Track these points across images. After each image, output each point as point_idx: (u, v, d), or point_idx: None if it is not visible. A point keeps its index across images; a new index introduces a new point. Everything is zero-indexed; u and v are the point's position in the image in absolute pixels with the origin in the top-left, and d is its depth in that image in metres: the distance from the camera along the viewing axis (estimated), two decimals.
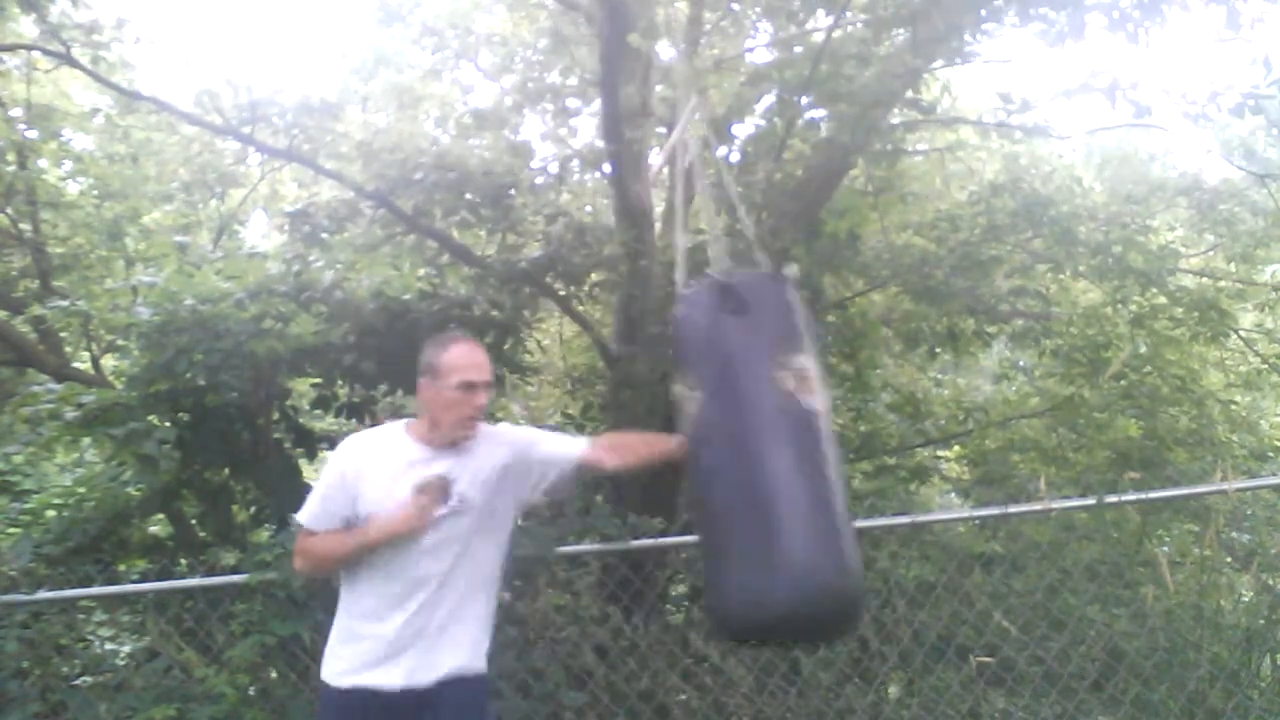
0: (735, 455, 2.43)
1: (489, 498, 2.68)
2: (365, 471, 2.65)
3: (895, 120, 6.01)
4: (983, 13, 5.01)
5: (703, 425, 2.53)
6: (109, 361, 7.31)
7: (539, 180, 7.23)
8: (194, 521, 5.05)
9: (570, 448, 2.83)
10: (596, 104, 7.43)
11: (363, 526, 2.60)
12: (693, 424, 2.57)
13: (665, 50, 7.45)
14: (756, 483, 2.39)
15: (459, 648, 2.61)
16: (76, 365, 7.03)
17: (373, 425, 5.35)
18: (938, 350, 7.02)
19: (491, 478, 2.69)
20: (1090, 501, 3.96)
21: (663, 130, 7.60)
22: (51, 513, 5.04)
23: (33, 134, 7.02)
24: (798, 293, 2.71)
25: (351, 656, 2.60)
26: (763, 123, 5.88)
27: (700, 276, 2.75)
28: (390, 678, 2.55)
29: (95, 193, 7.70)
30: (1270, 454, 7.13)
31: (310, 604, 3.63)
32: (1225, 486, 3.90)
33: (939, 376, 9.24)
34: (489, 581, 2.72)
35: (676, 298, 2.70)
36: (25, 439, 4.51)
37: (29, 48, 6.72)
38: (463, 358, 2.70)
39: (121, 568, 4.61)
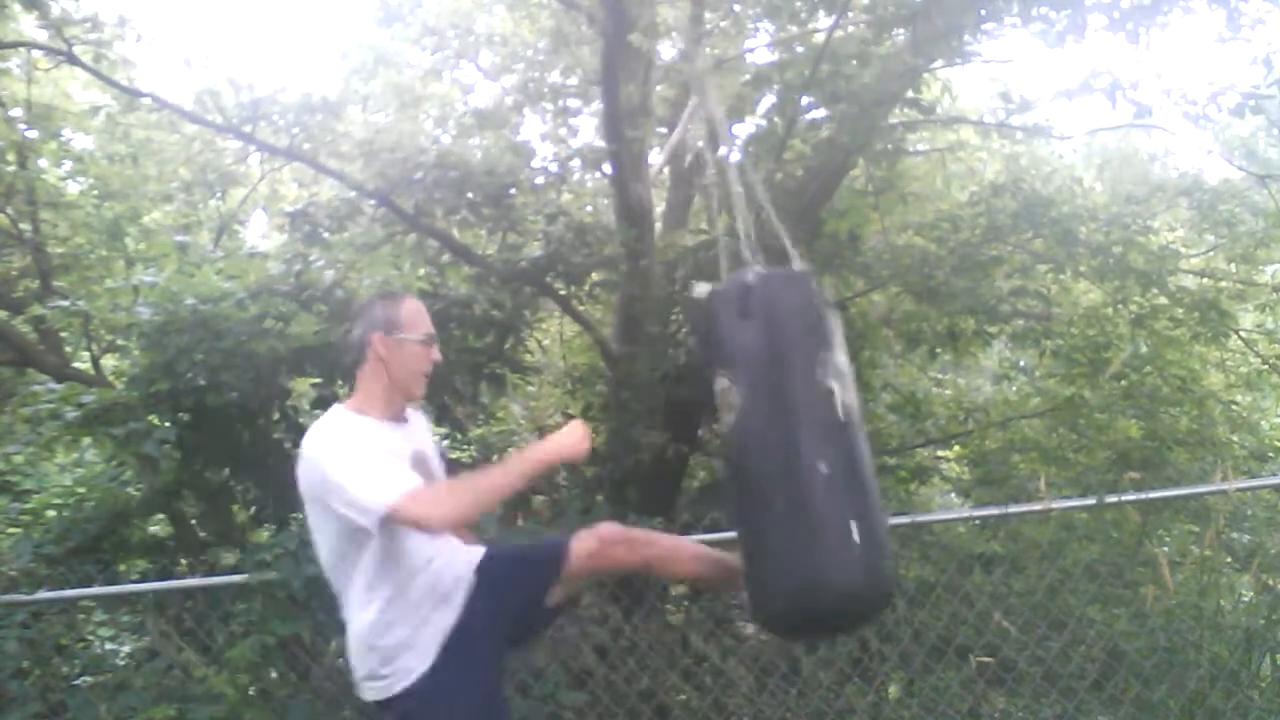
0: (782, 456, 2.44)
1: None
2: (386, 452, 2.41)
3: (895, 120, 6.01)
4: (983, 12, 5.01)
5: (746, 425, 2.48)
6: (109, 361, 7.30)
7: (539, 180, 7.23)
8: (194, 521, 5.05)
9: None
10: (596, 104, 7.44)
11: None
12: (737, 422, 2.49)
13: (666, 50, 7.47)
14: (800, 482, 2.41)
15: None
16: (76, 365, 7.03)
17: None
18: (938, 350, 7.01)
19: (438, 460, 2.61)
20: (1090, 501, 3.96)
21: (663, 130, 7.60)
22: (51, 513, 5.05)
23: (33, 134, 7.01)
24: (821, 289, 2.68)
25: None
26: (763, 123, 5.89)
27: (732, 274, 2.69)
28: None
29: (95, 193, 7.69)
30: (1270, 454, 7.13)
31: (310, 604, 3.63)
32: (1225, 486, 3.89)
33: (939, 377, 9.24)
34: None
35: (710, 293, 2.64)
36: (25, 439, 4.51)
37: (30, 46, 6.72)
38: (420, 311, 2.57)
39: (121, 568, 4.62)
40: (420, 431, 2.60)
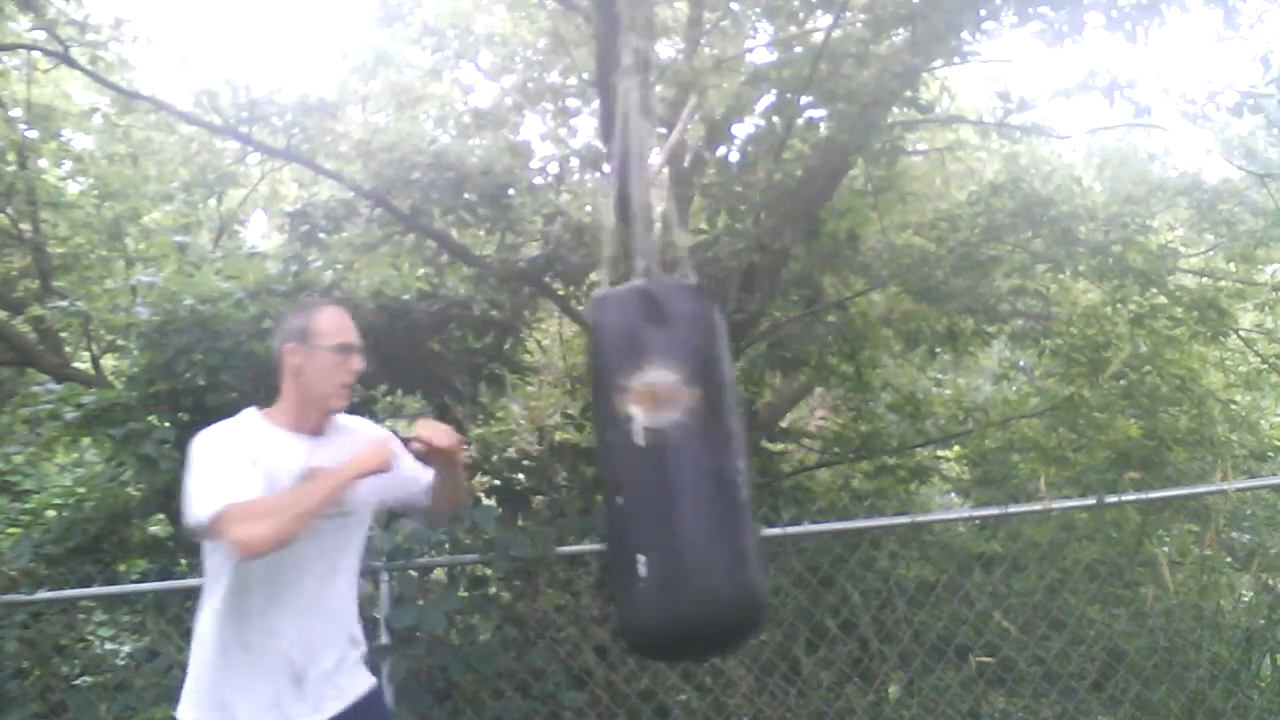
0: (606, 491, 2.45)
1: (364, 498, 2.45)
2: (259, 463, 2.30)
3: (894, 120, 6.01)
4: (982, 12, 5.01)
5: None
6: (109, 361, 7.31)
7: (538, 180, 7.23)
8: None
9: (424, 473, 2.57)
10: (596, 104, 7.43)
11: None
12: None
13: (664, 50, 7.47)
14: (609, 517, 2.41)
15: (357, 668, 2.44)
16: (76, 365, 7.04)
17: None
18: (938, 350, 7.01)
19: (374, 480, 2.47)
20: (1090, 501, 3.96)
21: (663, 130, 7.60)
22: (51, 513, 5.05)
23: (33, 134, 7.02)
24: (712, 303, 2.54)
25: (249, 695, 2.29)
26: (763, 123, 5.88)
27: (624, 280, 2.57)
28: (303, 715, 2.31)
29: (95, 193, 7.70)
30: (1270, 454, 7.13)
31: None
32: (1225, 486, 3.89)
33: (939, 376, 9.24)
34: (354, 597, 2.50)
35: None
36: (25, 439, 4.51)
37: (28, 47, 6.72)
38: (337, 320, 2.48)
39: (121, 568, 4.62)
40: (344, 448, 2.40)
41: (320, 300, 2.76)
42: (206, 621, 2.33)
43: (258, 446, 2.32)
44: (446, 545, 3.85)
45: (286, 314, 2.56)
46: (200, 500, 2.19)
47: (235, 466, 2.24)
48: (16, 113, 6.92)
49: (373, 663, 2.65)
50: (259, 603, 2.29)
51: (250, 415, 2.43)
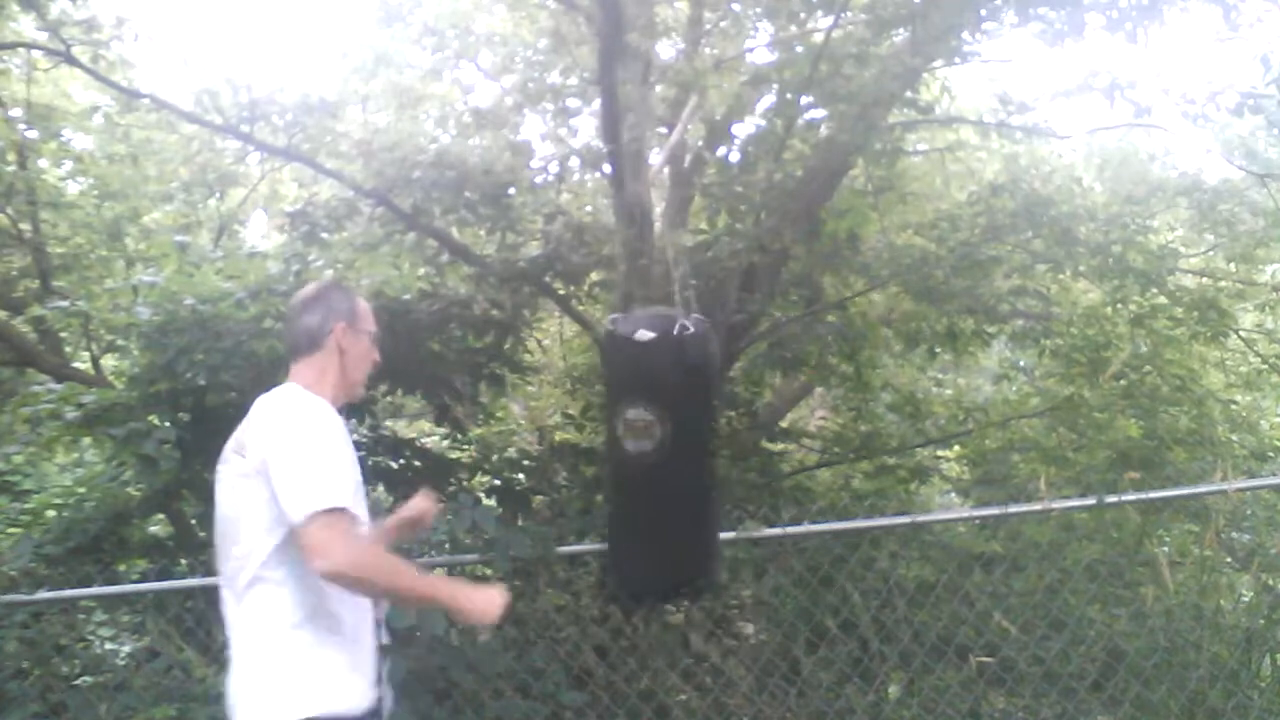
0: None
1: None
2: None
3: (894, 120, 6.02)
4: (982, 12, 5.01)
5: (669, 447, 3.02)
6: (109, 361, 7.31)
7: (538, 179, 7.23)
8: (194, 521, 5.05)
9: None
10: (597, 104, 7.43)
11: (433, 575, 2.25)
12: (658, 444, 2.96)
13: (664, 50, 7.46)
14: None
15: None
16: (76, 365, 7.04)
17: (372, 426, 5.39)
18: (938, 350, 7.01)
19: None
20: (1090, 501, 3.96)
21: (663, 130, 7.60)
22: (51, 513, 5.05)
23: (33, 134, 7.02)
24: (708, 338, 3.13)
25: (355, 669, 2.24)
26: (763, 123, 5.89)
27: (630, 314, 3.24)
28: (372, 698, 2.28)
29: (95, 193, 7.70)
30: (1270, 454, 7.12)
31: None
32: (1225, 486, 3.90)
33: (939, 376, 9.24)
34: None
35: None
36: (25, 439, 4.51)
37: (29, 46, 6.72)
38: (368, 307, 2.49)
39: (121, 568, 4.62)
40: None
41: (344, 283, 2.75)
42: (291, 605, 2.17)
43: (345, 438, 2.25)
44: (446, 545, 3.86)
45: (331, 290, 2.49)
46: (318, 489, 2.07)
47: (347, 462, 2.17)
48: (16, 113, 6.92)
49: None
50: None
51: (305, 393, 2.30)
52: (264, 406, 2.28)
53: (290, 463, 2.12)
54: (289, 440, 2.16)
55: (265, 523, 2.16)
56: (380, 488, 4.70)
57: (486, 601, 2.21)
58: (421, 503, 2.67)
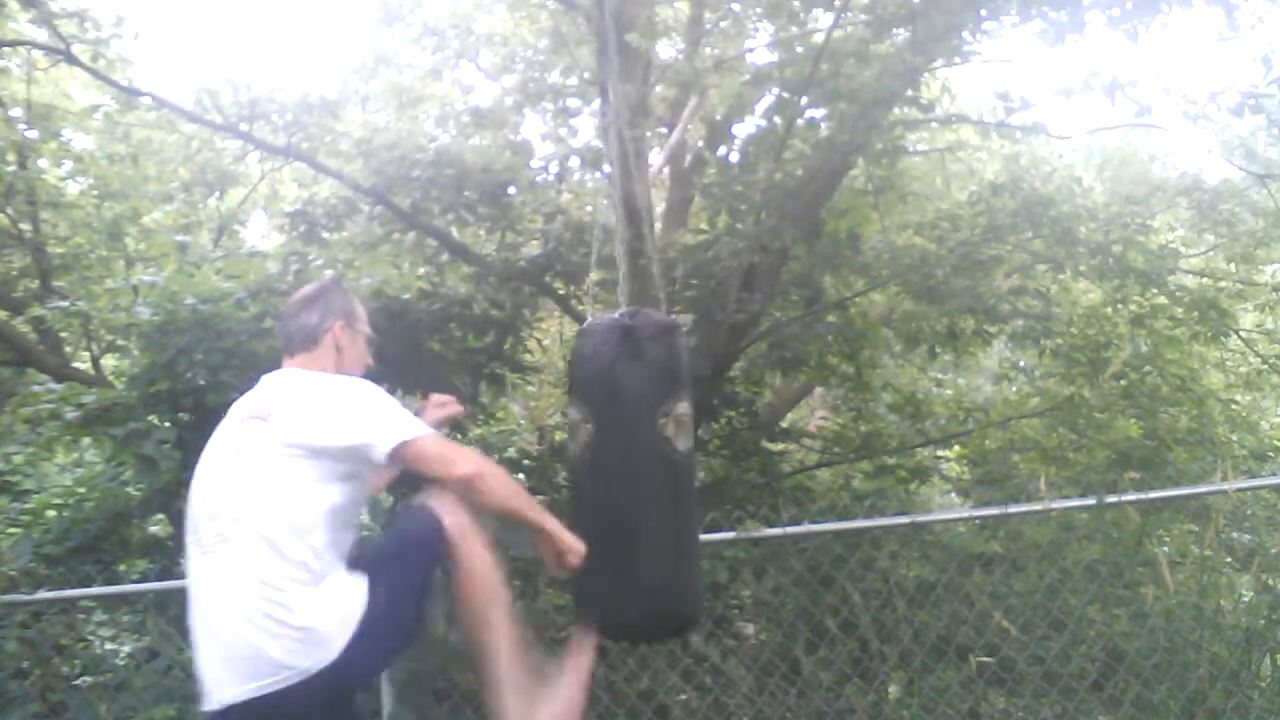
0: (610, 489, 2.61)
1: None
2: None
3: (895, 120, 6.01)
4: (983, 12, 5.01)
5: (589, 457, 2.65)
6: (109, 361, 7.31)
7: (538, 179, 7.23)
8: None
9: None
10: (596, 103, 7.44)
11: None
12: (580, 453, 2.67)
13: (664, 50, 7.46)
14: (625, 516, 2.57)
15: None
16: (76, 365, 7.03)
17: None
18: (938, 350, 7.01)
19: None
20: (1090, 501, 3.96)
21: (663, 130, 7.60)
22: (51, 513, 5.05)
23: (33, 134, 7.01)
24: (685, 340, 2.87)
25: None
26: (763, 123, 5.89)
27: (603, 313, 2.91)
28: None
29: (95, 193, 7.69)
30: (1270, 454, 7.12)
31: None
32: (1225, 486, 3.90)
33: (939, 376, 9.24)
34: None
35: (580, 330, 2.84)
36: (25, 439, 4.50)
37: (30, 45, 6.72)
38: (364, 311, 2.54)
39: (121, 568, 4.61)
40: None
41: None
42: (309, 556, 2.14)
43: None
44: None
45: (330, 289, 2.52)
46: (407, 418, 2.22)
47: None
48: (16, 112, 6.91)
49: None
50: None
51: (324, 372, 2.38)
52: (288, 379, 2.33)
53: (366, 406, 2.23)
54: (349, 394, 2.26)
55: (306, 482, 2.16)
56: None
57: (575, 542, 2.38)
58: (443, 411, 2.73)
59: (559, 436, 7.17)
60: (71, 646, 3.91)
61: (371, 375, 2.52)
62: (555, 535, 2.37)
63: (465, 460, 2.24)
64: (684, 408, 2.65)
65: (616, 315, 2.71)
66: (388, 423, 2.20)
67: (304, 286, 2.56)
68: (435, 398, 2.81)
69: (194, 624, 2.21)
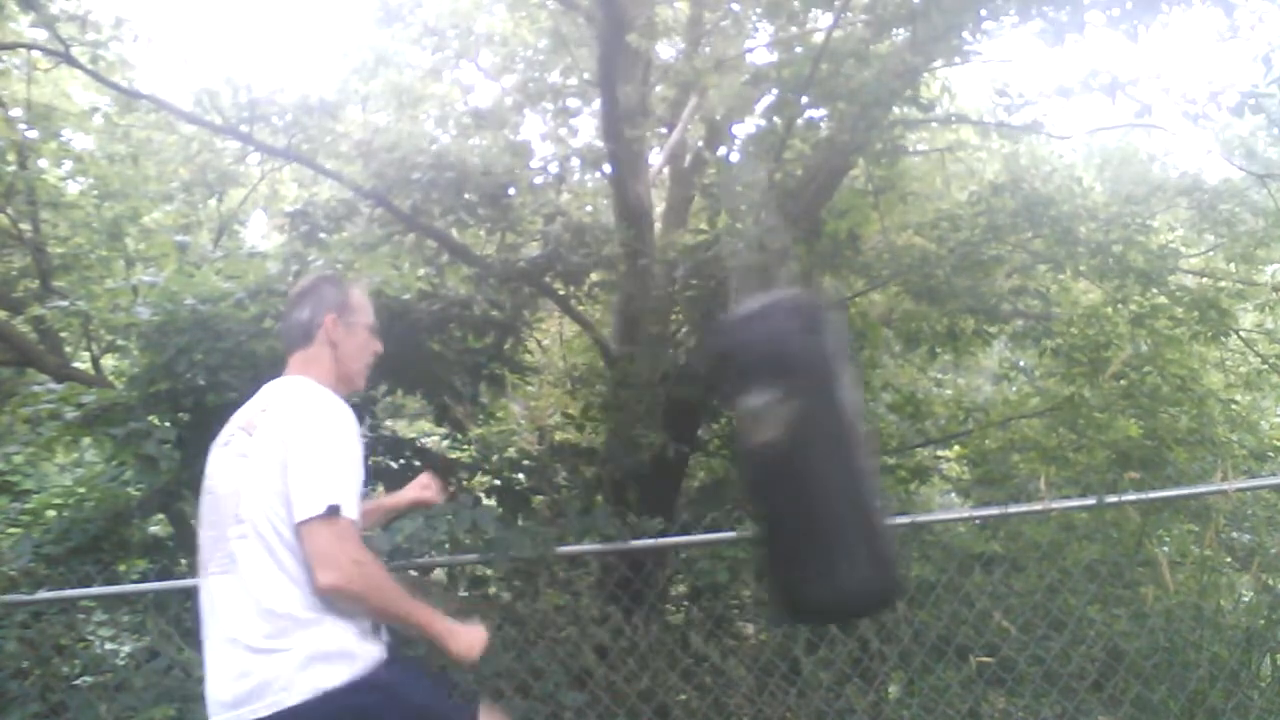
0: (835, 463, 2.61)
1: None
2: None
3: (895, 119, 6.02)
4: (983, 12, 5.01)
5: (798, 436, 2.59)
6: (109, 361, 7.31)
7: (538, 180, 7.23)
8: (194, 521, 5.03)
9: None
10: (597, 104, 7.44)
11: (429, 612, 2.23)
12: (775, 437, 2.59)
13: (664, 50, 7.46)
14: (855, 488, 2.59)
15: None
16: (76, 365, 7.04)
17: (372, 426, 5.39)
18: (938, 350, 7.01)
19: None
20: (1090, 501, 3.96)
21: (663, 130, 7.60)
22: (51, 513, 5.05)
23: (33, 134, 7.02)
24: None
25: (363, 635, 2.21)
26: (763, 122, 5.88)
27: (766, 293, 2.82)
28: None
29: (95, 193, 7.70)
30: (1270, 454, 7.12)
31: None
32: (1225, 486, 3.89)
33: (939, 376, 9.24)
34: None
35: (743, 311, 2.75)
36: (25, 439, 4.51)
37: (29, 46, 6.73)
38: (366, 299, 2.47)
39: (121, 568, 4.62)
40: None
41: (338, 274, 2.71)
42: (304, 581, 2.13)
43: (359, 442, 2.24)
44: (446, 545, 3.85)
45: (321, 283, 2.48)
46: (329, 491, 2.09)
47: (359, 466, 2.18)
48: (16, 113, 6.92)
49: None
50: None
51: (315, 385, 2.30)
52: (281, 394, 2.29)
53: (309, 459, 2.13)
54: (310, 436, 2.17)
55: (279, 500, 2.14)
56: (380, 488, 4.70)
57: (470, 641, 2.27)
58: (422, 492, 2.71)
59: (559, 436, 7.17)
60: (71, 646, 3.90)
61: (372, 376, 2.52)
62: (447, 636, 2.24)
63: (335, 570, 2.06)
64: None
65: (773, 295, 2.73)
66: (311, 489, 2.10)
67: (299, 281, 2.55)
68: (421, 478, 2.74)
69: (203, 641, 2.26)
